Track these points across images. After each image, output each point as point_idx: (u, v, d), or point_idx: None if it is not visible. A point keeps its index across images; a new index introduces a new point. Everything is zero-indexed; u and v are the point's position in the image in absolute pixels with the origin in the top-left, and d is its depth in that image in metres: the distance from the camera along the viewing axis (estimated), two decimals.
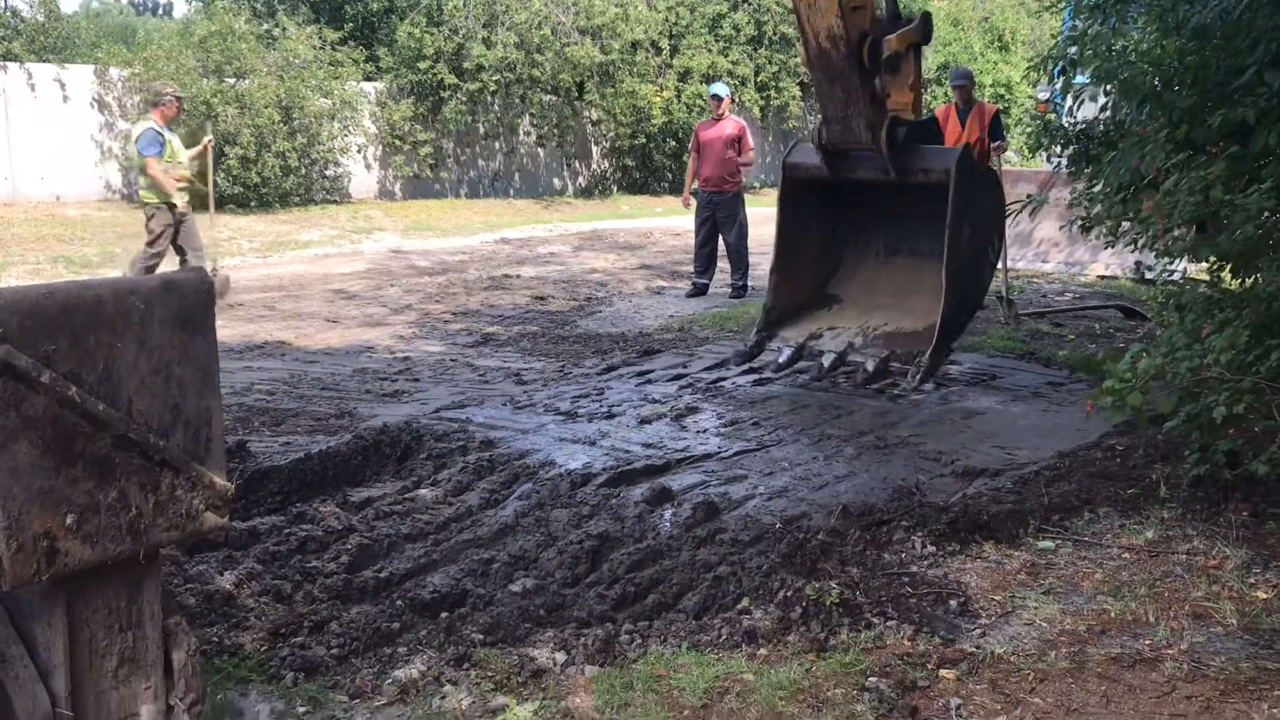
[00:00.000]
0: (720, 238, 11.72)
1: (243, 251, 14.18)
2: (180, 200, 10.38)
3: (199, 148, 10.94)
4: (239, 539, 4.55)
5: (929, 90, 25.70)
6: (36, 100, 17.09)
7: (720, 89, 11.93)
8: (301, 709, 3.37)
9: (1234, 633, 3.75)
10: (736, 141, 11.55)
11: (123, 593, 2.75)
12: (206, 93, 17.24)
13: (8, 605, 2.64)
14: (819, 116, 7.11)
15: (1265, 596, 3.99)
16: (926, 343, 7.01)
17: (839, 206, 7.83)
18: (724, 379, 7.66)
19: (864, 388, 7.18)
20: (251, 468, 5.32)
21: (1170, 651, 3.63)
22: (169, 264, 10.24)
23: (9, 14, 21.96)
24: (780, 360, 7.54)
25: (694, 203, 11.88)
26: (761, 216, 18.62)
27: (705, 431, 6.34)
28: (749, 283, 11.75)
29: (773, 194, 25.74)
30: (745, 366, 7.79)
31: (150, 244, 10.47)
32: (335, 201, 19.51)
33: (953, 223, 6.72)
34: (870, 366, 7.15)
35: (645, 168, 24.50)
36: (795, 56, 25.86)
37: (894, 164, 6.89)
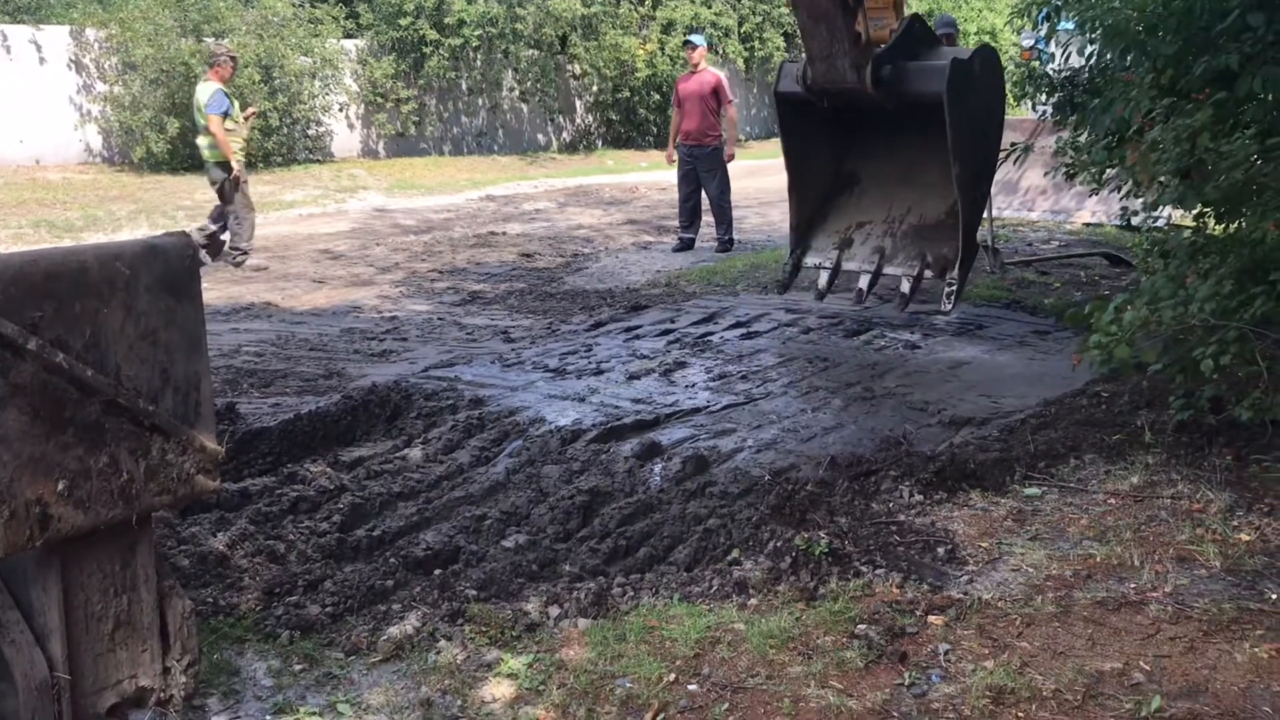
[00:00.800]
0: (703, 192, 11.67)
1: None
2: (237, 163, 10.45)
3: (245, 114, 11.05)
4: (231, 500, 4.56)
5: None
6: (13, 62, 16.85)
7: (695, 37, 11.80)
8: (298, 667, 3.40)
9: (1217, 575, 3.80)
10: (715, 94, 11.44)
11: (116, 557, 2.77)
12: (185, 53, 17.01)
13: (3, 571, 2.65)
14: (803, 57, 7.05)
15: (1247, 539, 4.04)
16: (952, 233, 6.91)
17: (836, 117, 7.72)
18: (712, 333, 7.67)
19: (904, 311, 7.20)
20: (241, 429, 5.33)
21: (1155, 594, 3.68)
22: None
23: None
24: (820, 286, 7.53)
25: (678, 158, 11.82)
26: (746, 170, 18.44)
27: (694, 386, 6.36)
28: (734, 236, 11.72)
29: (758, 147, 25.62)
30: (783, 297, 7.74)
31: (238, 206, 10.66)
32: (318, 161, 19.35)
33: (955, 143, 6.63)
34: (906, 288, 7.10)
35: (629, 122, 24.33)
36: (779, 6, 25.63)
37: (884, 100, 6.83)
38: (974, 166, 6.95)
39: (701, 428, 5.58)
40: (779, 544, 4.06)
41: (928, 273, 7.08)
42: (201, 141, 10.64)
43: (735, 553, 4.13)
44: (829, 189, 7.77)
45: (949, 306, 6.89)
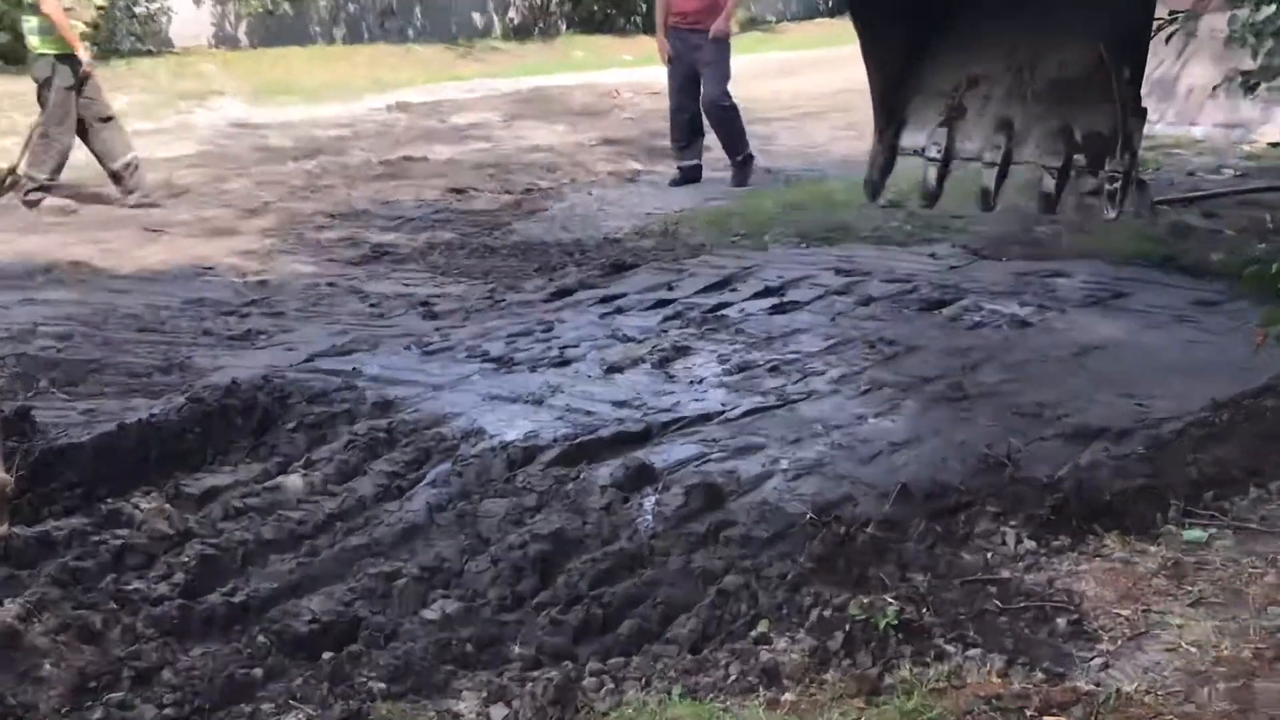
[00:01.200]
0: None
1: (15, 127, 14.00)
2: (85, 52, 10.47)
3: None
4: (25, 552, 4.53)
5: None
6: None
7: None
8: None
9: None
10: None
11: None
12: None
13: None
14: None
15: None
16: (1108, 96, 6.64)
17: None
18: (728, 305, 7.66)
19: (1051, 213, 7.00)
20: (39, 447, 5.29)
21: None
22: None
23: None
24: (929, 184, 7.19)
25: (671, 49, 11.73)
26: (778, 66, 18.51)
27: (702, 382, 6.36)
28: (754, 154, 11.65)
29: (795, 31, 25.61)
30: (878, 202, 7.39)
31: (51, 120, 10.61)
32: (150, 52, 19.28)
33: None
34: (1049, 185, 6.85)
35: None
36: None
37: None
38: (1122, 26, 6.77)
39: (713, 443, 5.58)
40: (826, 613, 4.07)
41: (1077, 158, 6.82)
42: (29, 24, 10.61)
43: (763, 626, 4.14)
44: (919, 36, 7.50)
45: (1112, 213, 6.66)
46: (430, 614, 4.25)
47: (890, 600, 4.07)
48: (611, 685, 3.85)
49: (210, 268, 9.00)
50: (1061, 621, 4.08)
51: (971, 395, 6.15)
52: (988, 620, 4.08)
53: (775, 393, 6.20)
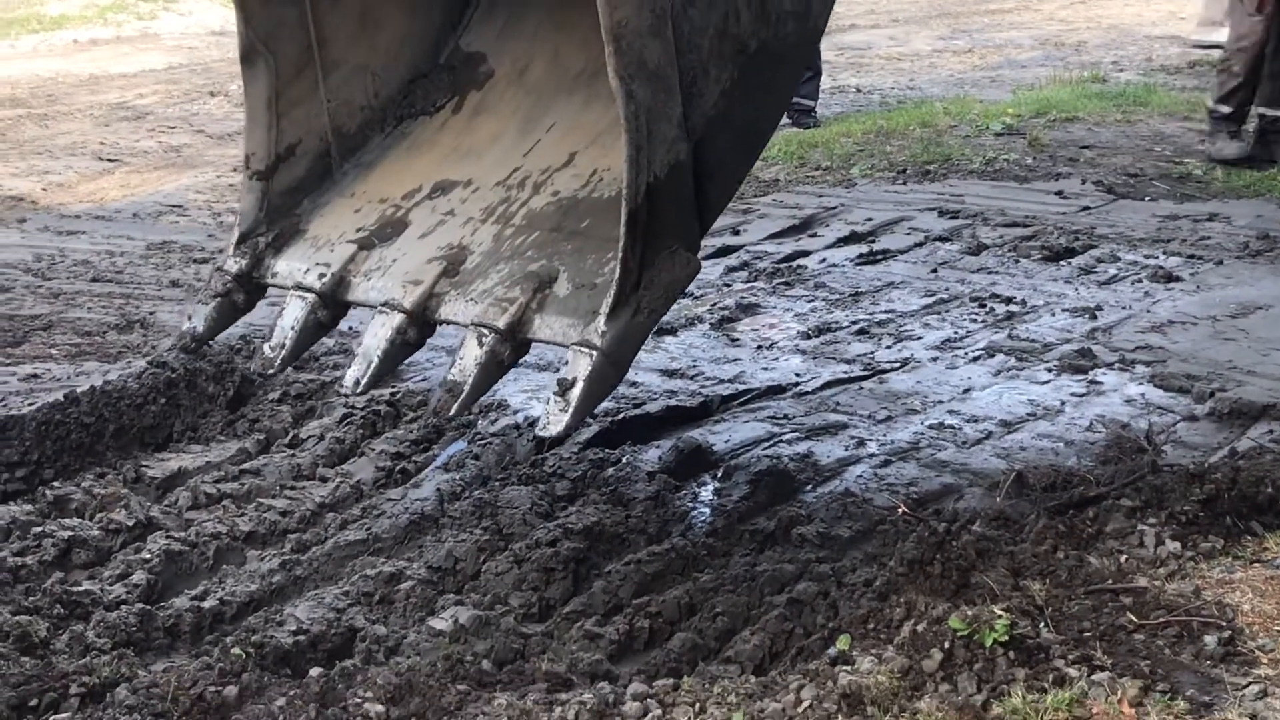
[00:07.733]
0: None
1: None
2: None
3: None
4: None
5: None
6: None
7: None
8: None
9: None
10: None
11: None
12: None
13: None
14: None
15: None
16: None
17: None
18: (806, 253, 7.65)
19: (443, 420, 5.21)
20: None
21: None
22: None
23: None
24: (274, 344, 4.90)
25: None
26: None
27: (773, 347, 6.36)
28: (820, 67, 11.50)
29: None
30: None
31: None
32: None
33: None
34: (469, 360, 4.75)
35: None
36: None
37: None
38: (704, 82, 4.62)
39: (785, 422, 5.58)
40: (921, 627, 4.06)
41: (541, 320, 4.75)
42: None
43: (842, 642, 4.13)
44: (404, 83, 5.42)
45: (554, 427, 4.58)
46: (439, 624, 4.29)
47: (1000, 612, 4.06)
48: (658, 712, 3.85)
49: (179, 205, 9.02)
50: (1210, 640, 4.06)
51: (1103, 363, 6.13)
52: (1119, 638, 4.06)
53: (862, 360, 6.19)
